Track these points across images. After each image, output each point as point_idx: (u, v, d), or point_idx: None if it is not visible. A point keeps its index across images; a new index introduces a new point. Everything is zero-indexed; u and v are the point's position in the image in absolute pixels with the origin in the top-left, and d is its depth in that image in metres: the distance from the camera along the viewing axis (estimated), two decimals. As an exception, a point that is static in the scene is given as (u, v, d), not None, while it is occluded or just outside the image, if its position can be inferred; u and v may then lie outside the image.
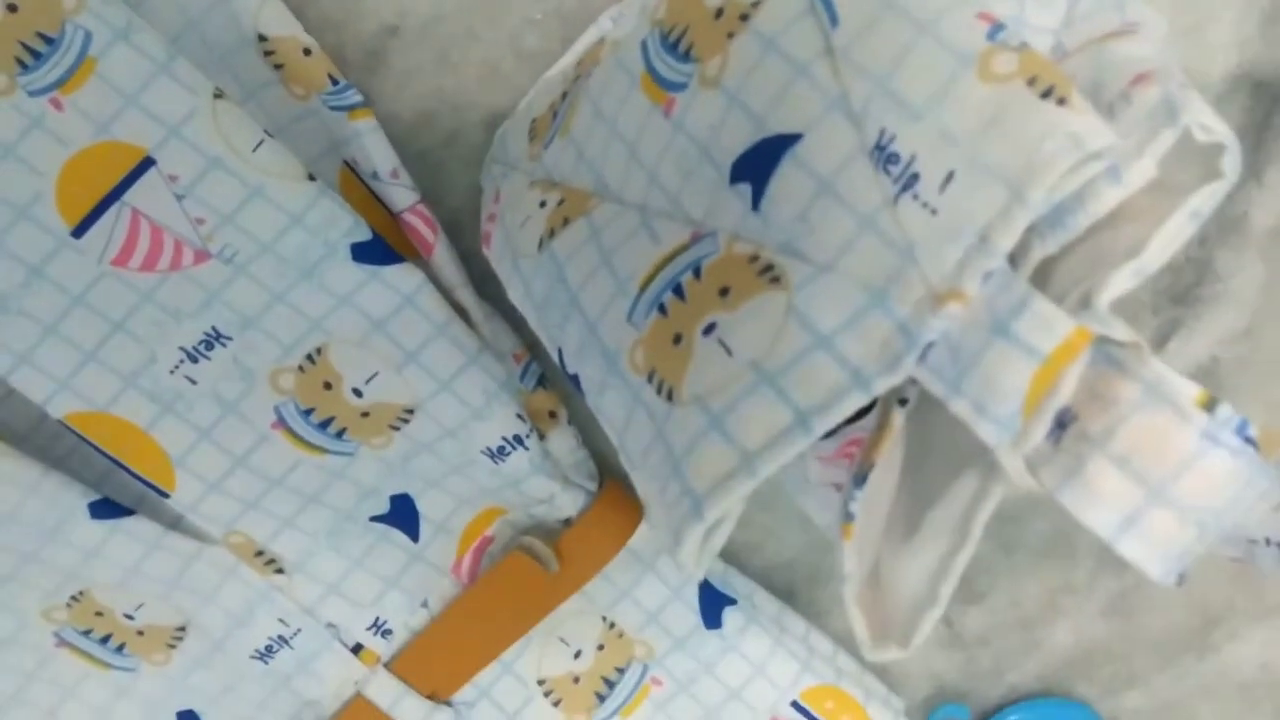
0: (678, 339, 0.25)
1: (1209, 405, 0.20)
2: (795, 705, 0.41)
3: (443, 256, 0.37)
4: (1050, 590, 0.45)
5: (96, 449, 0.36)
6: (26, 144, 0.32)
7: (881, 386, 0.22)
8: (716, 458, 0.23)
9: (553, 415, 0.39)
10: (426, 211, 0.37)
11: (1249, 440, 0.20)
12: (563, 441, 0.39)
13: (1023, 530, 0.44)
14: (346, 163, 0.36)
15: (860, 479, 0.24)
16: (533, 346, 0.39)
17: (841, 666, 0.43)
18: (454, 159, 0.38)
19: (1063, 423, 0.21)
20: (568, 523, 0.39)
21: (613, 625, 0.41)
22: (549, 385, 0.39)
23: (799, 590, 0.45)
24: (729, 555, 0.43)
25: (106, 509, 0.37)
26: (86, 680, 0.40)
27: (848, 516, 0.24)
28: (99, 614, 0.39)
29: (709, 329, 0.24)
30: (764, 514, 0.43)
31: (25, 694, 0.40)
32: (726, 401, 0.23)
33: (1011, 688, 0.47)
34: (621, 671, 0.42)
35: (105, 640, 0.40)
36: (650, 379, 0.25)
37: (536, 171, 0.33)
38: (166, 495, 0.37)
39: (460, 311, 0.37)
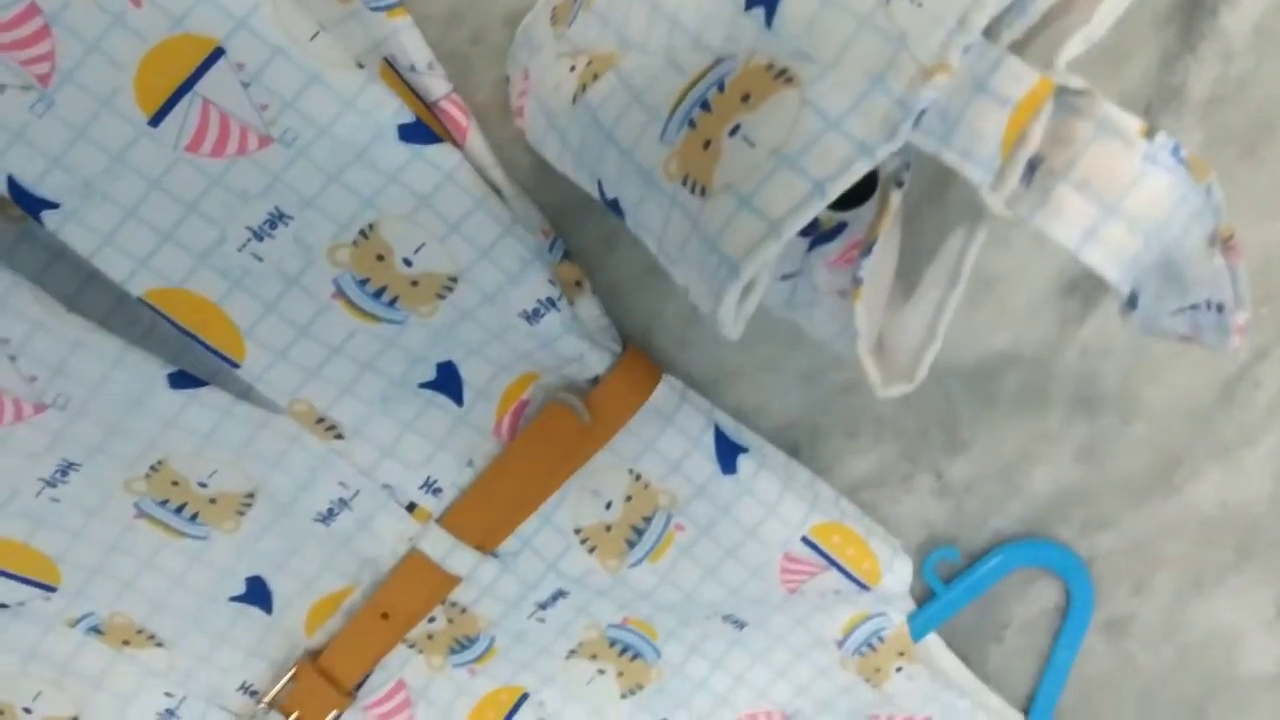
0: (706, 144, 0.29)
1: (1149, 133, 0.25)
2: (805, 541, 0.46)
3: (476, 140, 0.41)
4: (1026, 438, 0.50)
5: (173, 324, 0.40)
6: (109, 40, 0.36)
7: (883, 153, 0.26)
8: (747, 229, 0.28)
9: (578, 284, 0.43)
10: (460, 100, 0.41)
11: (1181, 160, 0.25)
12: (588, 308, 0.43)
13: (999, 384, 0.49)
14: (386, 59, 0.41)
15: (866, 250, 0.29)
16: (556, 224, 0.44)
17: (844, 509, 0.47)
18: (480, 56, 0.42)
19: (1033, 166, 0.26)
20: (595, 382, 0.44)
21: (639, 477, 0.45)
22: (573, 259, 0.44)
23: (802, 448, 0.49)
24: (737, 417, 0.48)
25: (184, 380, 0.41)
26: (162, 550, 0.44)
27: (857, 282, 0.29)
28: (175, 483, 0.43)
29: (734, 130, 0.29)
30: (768, 378, 0.48)
31: (107, 565, 0.44)
32: (753, 185, 0.28)
33: (996, 532, 0.52)
34: (648, 520, 0.46)
35: (180, 510, 0.44)
36: (684, 182, 0.30)
37: (562, 47, 0.37)
38: (237, 365, 0.41)
39: (494, 191, 0.41)
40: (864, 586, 0.47)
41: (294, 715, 0.47)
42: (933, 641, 0.51)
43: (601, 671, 0.49)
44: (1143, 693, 0.55)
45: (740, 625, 0.49)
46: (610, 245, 0.45)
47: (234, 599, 0.46)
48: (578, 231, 0.45)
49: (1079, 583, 0.52)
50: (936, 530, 0.51)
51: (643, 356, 0.45)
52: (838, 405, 0.49)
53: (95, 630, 0.45)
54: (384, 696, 0.48)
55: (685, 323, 0.47)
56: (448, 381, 0.44)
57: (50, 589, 0.44)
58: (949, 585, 0.51)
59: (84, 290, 0.42)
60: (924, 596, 0.51)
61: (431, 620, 0.47)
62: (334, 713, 0.47)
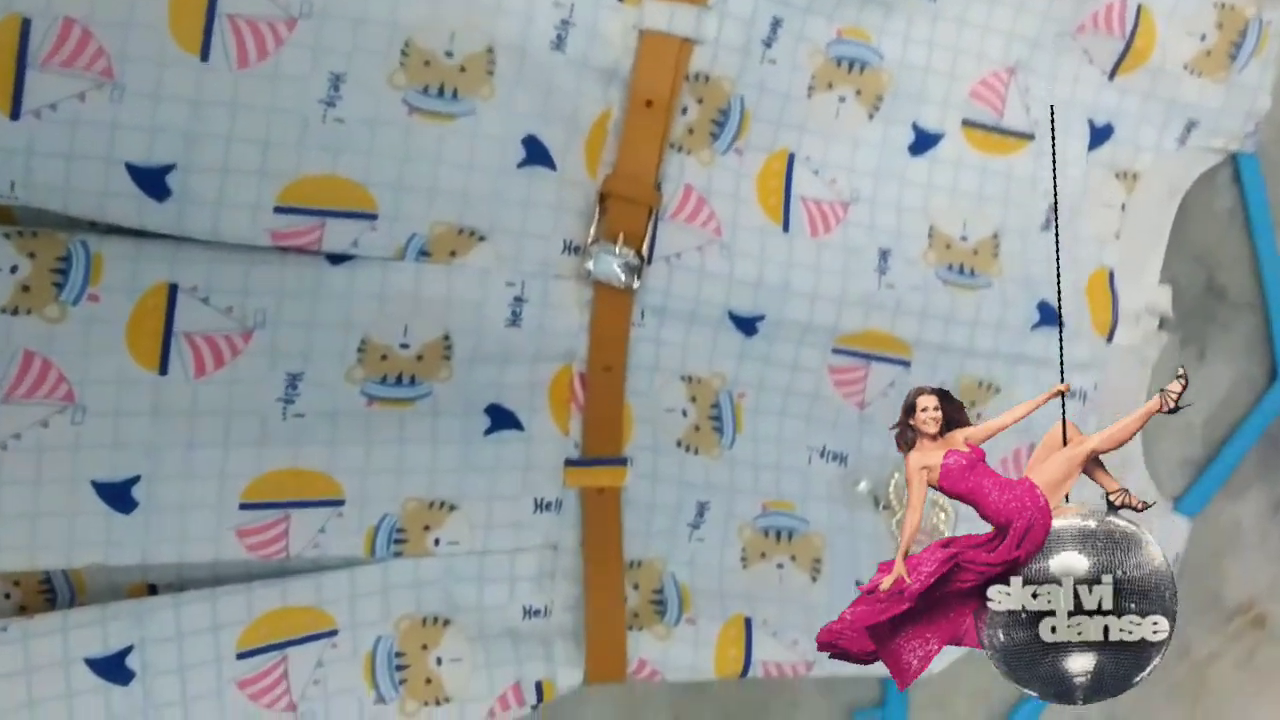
0: None
1: None
2: None
3: None
4: None
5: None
6: None
7: None
8: None
9: None
10: None
11: None
12: None
13: None
14: None
15: None
16: None
17: None
18: None
19: None
20: None
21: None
22: None
23: None
24: None
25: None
26: (443, 141, 0.48)
27: None
28: (426, 63, 0.47)
29: None
30: None
31: (406, 177, 0.48)
32: None
33: None
34: None
35: (440, 91, 0.48)
36: None
37: None
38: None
39: None
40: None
41: (619, 237, 0.50)
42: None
43: (842, 99, 0.53)
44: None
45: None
46: None
47: (520, 165, 0.49)
48: None
49: None
50: None
51: None
52: None
53: (423, 253, 0.49)
54: (681, 202, 0.52)
55: None
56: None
57: (371, 216, 0.47)
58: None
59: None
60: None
61: (685, 113, 0.51)
62: (650, 214, 0.50)
